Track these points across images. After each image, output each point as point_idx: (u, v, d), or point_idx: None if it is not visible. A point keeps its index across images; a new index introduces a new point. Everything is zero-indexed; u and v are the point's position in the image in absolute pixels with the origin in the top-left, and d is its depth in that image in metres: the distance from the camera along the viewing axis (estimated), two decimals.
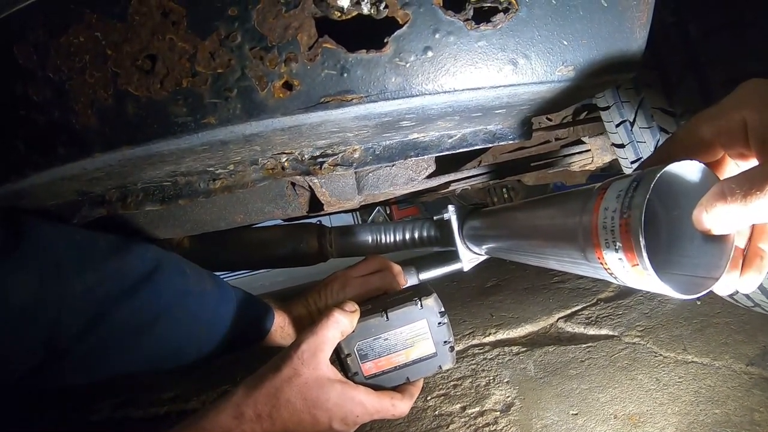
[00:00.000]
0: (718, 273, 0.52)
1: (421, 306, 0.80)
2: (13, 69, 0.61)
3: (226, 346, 0.91)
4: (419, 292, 0.83)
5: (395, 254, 1.39)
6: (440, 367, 0.83)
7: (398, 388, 0.83)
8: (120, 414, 1.67)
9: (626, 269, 0.52)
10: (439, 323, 0.81)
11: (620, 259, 0.51)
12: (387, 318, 0.79)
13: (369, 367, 0.81)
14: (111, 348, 0.77)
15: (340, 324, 0.76)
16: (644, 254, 0.47)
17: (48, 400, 1.73)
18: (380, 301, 0.88)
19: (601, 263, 0.57)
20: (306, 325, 0.87)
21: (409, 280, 1.16)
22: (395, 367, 0.82)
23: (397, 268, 1.08)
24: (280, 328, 1.00)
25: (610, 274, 0.57)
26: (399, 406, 0.80)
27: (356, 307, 0.80)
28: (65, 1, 0.57)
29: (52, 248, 0.73)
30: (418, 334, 0.81)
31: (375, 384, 0.81)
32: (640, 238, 0.47)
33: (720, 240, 0.52)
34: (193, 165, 0.76)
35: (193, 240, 1.40)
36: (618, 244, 0.51)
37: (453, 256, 1.22)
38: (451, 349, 0.83)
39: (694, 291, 0.51)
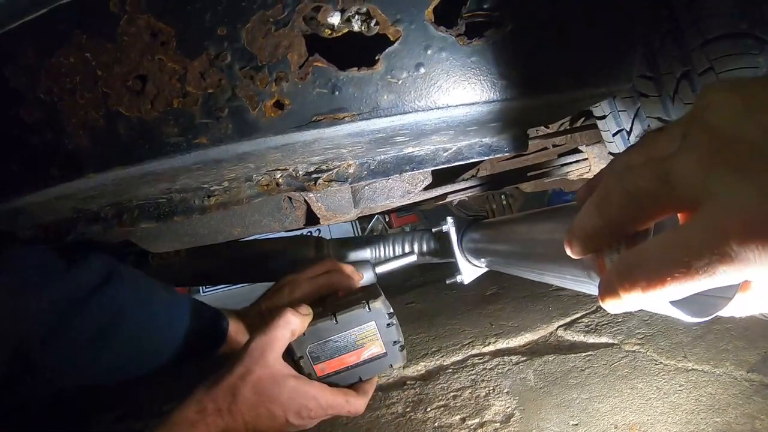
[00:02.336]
0: (731, 292, 0.49)
1: (369, 309, 0.81)
2: (4, 91, 0.60)
3: (186, 352, 0.94)
4: (369, 294, 0.85)
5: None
6: (391, 365, 0.85)
7: (353, 387, 0.85)
8: (121, 427, 1.66)
9: None
10: (388, 324, 0.83)
11: None
12: (336, 321, 0.81)
13: (322, 368, 0.83)
14: (72, 355, 0.80)
15: (291, 323, 0.78)
16: None
17: (48, 414, 1.72)
18: (331, 304, 0.90)
19: None
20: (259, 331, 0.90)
21: (365, 275, 1.17)
22: (347, 367, 0.84)
23: (348, 267, 1.09)
24: (235, 334, 1.03)
25: None
26: (353, 402, 0.82)
27: (309, 310, 0.82)
28: (54, 22, 0.56)
29: (19, 267, 0.79)
30: (367, 336, 0.83)
31: (329, 383, 0.83)
32: None
33: None
34: (187, 182, 0.76)
35: (190, 253, 1.40)
36: None
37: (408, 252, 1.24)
38: (401, 348, 0.85)
39: (705, 313, 0.48)
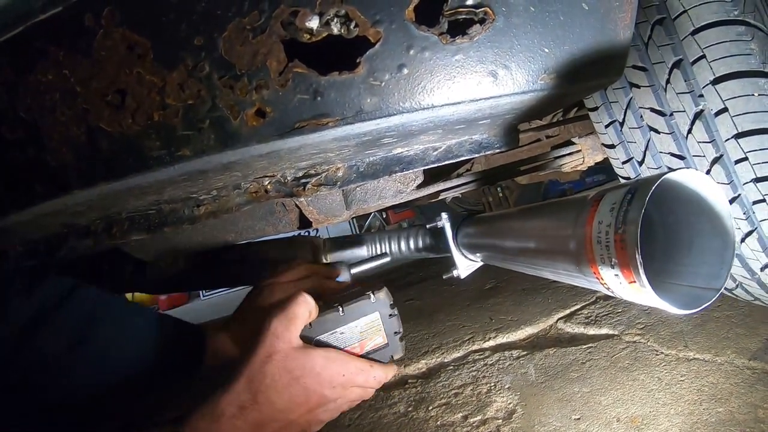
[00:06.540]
0: (719, 284, 0.50)
1: (374, 299, 0.81)
2: None
3: (163, 363, 0.89)
4: (371, 286, 0.85)
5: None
6: (392, 356, 0.85)
7: None
8: None
9: (623, 285, 0.50)
10: (390, 315, 0.83)
11: (616, 275, 0.50)
12: (342, 312, 0.80)
13: None
14: (45, 372, 0.77)
15: (309, 302, 0.76)
16: (641, 273, 0.45)
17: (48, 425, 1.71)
18: (330, 298, 0.89)
19: (597, 278, 0.55)
20: (246, 339, 0.86)
21: (342, 275, 1.17)
22: None
23: (326, 270, 1.06)
24: (220, 344, 0.96)
25: (607, 288, 0.55)
26: (377, 367, 0.80)
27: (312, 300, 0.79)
28: (30, 41, 0.56)
29: None
30: (371, 327, 0.83)
31: None
32: (637, 256, 0.45)
33: (719, 248, 0.51)
34: (175, 193, 0.75)
35: (187, 258, 1.39)
36: (614, 260, 0.49)
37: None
38: (402, 338, 0.85)
39: (694, 304, 0.49)
